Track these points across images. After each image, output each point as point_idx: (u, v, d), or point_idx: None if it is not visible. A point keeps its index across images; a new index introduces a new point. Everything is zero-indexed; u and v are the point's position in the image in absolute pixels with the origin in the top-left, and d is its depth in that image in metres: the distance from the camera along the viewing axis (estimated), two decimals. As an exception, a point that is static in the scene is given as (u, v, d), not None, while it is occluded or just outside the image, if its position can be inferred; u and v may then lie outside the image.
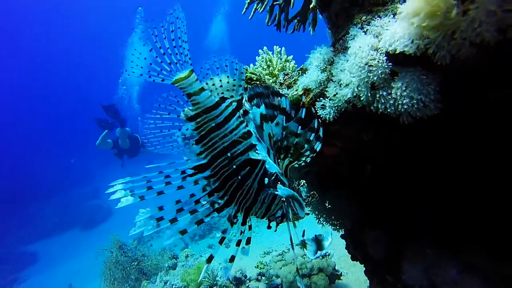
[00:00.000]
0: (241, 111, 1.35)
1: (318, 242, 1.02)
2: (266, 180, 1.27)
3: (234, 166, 1.27)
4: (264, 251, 6.62)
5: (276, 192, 0.98)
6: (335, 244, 5.73)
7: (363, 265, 2.56)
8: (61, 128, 35.91)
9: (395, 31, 1.05)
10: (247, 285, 5.16)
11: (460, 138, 1.39)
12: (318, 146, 1.35)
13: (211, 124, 1.31)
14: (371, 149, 1.64)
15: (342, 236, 2.64)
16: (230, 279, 5.39)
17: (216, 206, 1.28)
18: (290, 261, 4.98)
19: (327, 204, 2.44)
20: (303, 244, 1.05)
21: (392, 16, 1.27)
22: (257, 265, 5.43)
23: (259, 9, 1.73)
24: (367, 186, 2.11)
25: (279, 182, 1.10)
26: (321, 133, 1.35)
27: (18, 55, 33.06)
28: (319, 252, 1.00)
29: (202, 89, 1.33)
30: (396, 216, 2.10)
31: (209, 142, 1.32)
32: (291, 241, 1.09)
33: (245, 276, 5.27)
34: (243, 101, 1.34)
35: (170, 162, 1.30)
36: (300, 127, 1.29)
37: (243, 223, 1.29)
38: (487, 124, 1.27)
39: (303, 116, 1.30)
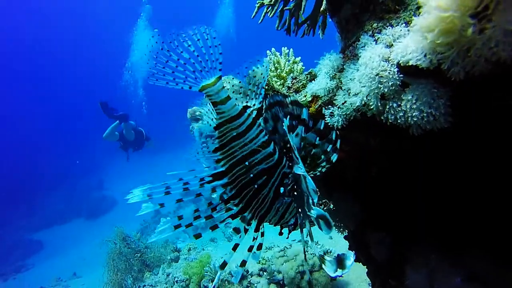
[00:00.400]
0: (261, 119, 1.35)
1: (340, 260, 1.02)
2: (282, 189, 1.28)
3: (251, 175, 1.28)
4: (266, 246, 6.68)
5: (309, 213, 0.99)
6: (338, 241, 5.77)
7: (365, 266, 2.58)
8: (67, 120, 36.10)
9: (407, 44, 1.04)
10: (249, 280, 5.23)
11: (465, 145, 1.39)
12: (334, 158, 1.35)
13: (232, 134, 1.31)
14: (377, 155, 1.64)
15: (345, 237, 2.65)
16: (233, 274, 5.46)
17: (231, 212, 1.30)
18: (292, 257, 5.02)
19: (331, 206, 2.45)
20: (321, 260, 1.06)
21: (404, 24, 1.25)
22: (259, 261, 5.48)
23: (269, 13, 1.72)
24: (372, 189, 2.11)
25: (311, 202, 1.08)
26: (338, 145, 1.35)
27: (19, 50, 33.13)
28: (339, 271, 1.00)
29: (228, 98, 1.31)
30: (399, 219, 2.11)
31: (229, 151, 1.31)
32: (304, 252, 1.11)
33: (247, 271, 5.33)
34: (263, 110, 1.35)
35: (190, 169, 1.31)
36: (318, 138, 1.30)
37: (256, 230, 1.31)
38: (492, 131, 1.27)
39: (321, 128, 1.30)
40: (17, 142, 28.38)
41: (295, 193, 1.27)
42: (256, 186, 1.28)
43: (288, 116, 1.24)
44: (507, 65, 0.82)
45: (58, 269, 11.97)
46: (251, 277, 5.23)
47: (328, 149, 1.34)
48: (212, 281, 5.65)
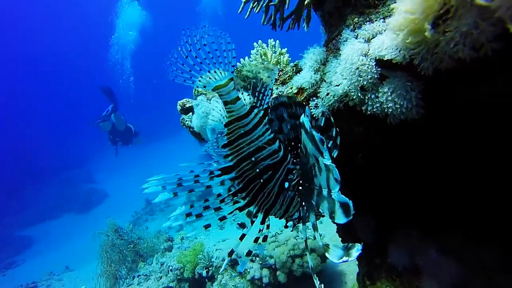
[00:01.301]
0: (267, 119, 1.44)
1: (348, 249, 1.11)
2: (286, 184, 1.37)
3: (257, 170, 1.36)
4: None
5: (333, 197, 1.04)
6: (327, 225, 5.97)
7: (352, 247, 2.72)
8: (55, 113, 35.08)
9: (383, 41, 1.13)
10: (242, 265, 5.37)
11: (436, 134, 1.50)
12: (335, 153, 1.44)
13: (240, 131, 1.39)
14: (361, 143, 1.74)
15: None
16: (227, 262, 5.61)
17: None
18: (283, 242, 5.19)
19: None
20: (325, 249, 1.16)
21: (382, 20, 1.33)
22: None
23: (255, 8, 1.77)
24: (357, 175, 2.23)
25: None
26: (338, 141, 1.44)
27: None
28: (345, 258, 1.08)
29: (238, 98, 1.39)
30: (384, 204, 2.24)
31: (237, 147, 1.39)
32: (306, 243, 1.22)
33: (240, 257, 5.47)
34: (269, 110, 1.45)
35: (200, 162, 1.39)
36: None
37: (262, 222, 1.39)
38: (456, 123, 1.38)
39: (322, 124, 1.39)
40: (4, 137, 27.46)
41: (300, 187, 1.36)
42: (262, 180, 1.36)
43: (308, 115, 1.31)
44: (467, 63, 0.91)
45: (50, 264, 11.93)
46: (244, 262, 5.38)
47: (329, 145, 1.43)
48: (206, 268, 5.79)
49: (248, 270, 5.16)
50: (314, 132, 1.06)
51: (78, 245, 12.78)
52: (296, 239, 5.06)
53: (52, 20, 35.75)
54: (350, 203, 1.02)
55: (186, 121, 2.72)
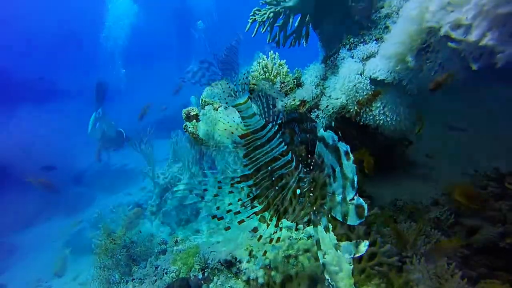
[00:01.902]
0: (281, 133, 1.62)
1: (356, 245, 1.27)
2: (298, 191, 1.54)
3: (273, 178, 1.53)
4: (254, 234, 6.94)
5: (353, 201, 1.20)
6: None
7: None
8: (45, 113, 34.01)
9: (377, 64, 1.34)
10: (237, 266, 5.49)
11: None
12: None
13: (257, 143, 1.57)
14: (356, 150, 1.94)
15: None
16: (221, 262, 5.72)
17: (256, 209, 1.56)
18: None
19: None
20: (336, 248, 1.34)
21: (375, 41, 1.54)
22: (247, 248, 5.75)
23: (261, 28, 1.96)
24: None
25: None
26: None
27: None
28: (356, 253, 1.26)
29: (254, 114, 1.56)
30: (375, 199, 2.45)
31: (254, 157, 1.57)
32: (318, 244, 1.39)
33: (235, 258, 5.58)
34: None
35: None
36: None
37: (276, 225, 1.57)
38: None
39: None
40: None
41: (311, 194, 1.53)
42: (277, 188, 1.53)
43: (321, 127, 1.51)
44: (442, 84, 1.12)
45: (37, 271, 11.66)
46: (240, 263, 5.50)
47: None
48: (202, 270, 5.89)
49: (244, 271, 5.28)
50: (340, 144, 1.24)
51: (66, 251, 12.53)
52: (291, 240, 5.23)
53: (39, 13, 34.81)
54: (365, 205, 1.17)
55: (189, 127, 2.88)
